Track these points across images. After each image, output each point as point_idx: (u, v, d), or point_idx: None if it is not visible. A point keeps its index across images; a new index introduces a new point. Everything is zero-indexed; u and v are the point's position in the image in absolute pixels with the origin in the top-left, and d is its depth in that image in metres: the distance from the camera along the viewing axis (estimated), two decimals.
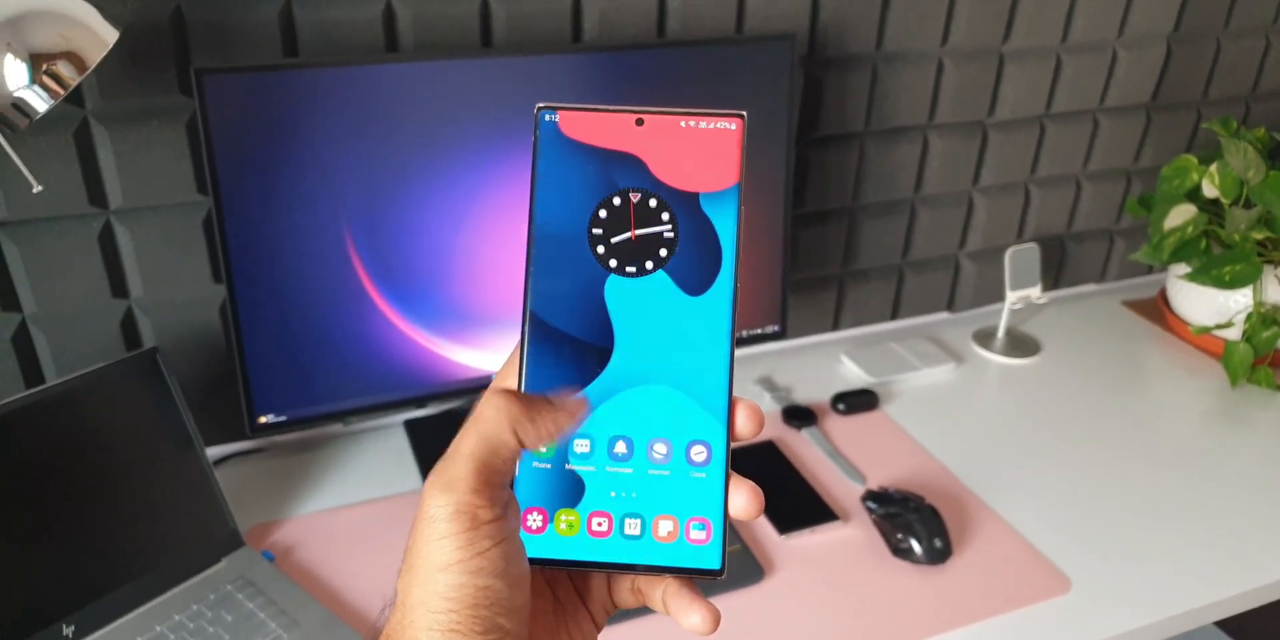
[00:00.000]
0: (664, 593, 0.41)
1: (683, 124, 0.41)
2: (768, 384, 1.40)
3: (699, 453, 0.41)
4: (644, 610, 0.99)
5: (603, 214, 0.41)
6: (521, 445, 0.37)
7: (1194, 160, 1.45)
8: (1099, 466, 1.26)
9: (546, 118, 0.41)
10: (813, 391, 1.38)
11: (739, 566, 1.07)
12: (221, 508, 1.05)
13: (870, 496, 1.16)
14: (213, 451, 1.21)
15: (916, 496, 1.15)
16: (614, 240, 0.41)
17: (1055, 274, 1.64)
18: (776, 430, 1.31)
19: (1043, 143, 1.49)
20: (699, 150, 0.41)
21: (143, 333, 1.13)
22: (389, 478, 1.20)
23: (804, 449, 1.27)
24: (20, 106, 0.80)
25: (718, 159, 0.41)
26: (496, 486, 0.36)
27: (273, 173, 0.97)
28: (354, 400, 1.09)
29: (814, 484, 1.21)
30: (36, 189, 0.87)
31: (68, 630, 0.94)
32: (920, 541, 1.09)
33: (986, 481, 1.22)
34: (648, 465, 0.41)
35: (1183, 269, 1.48)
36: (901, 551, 1.10)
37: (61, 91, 0.79)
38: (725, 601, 1.02)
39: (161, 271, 1.10)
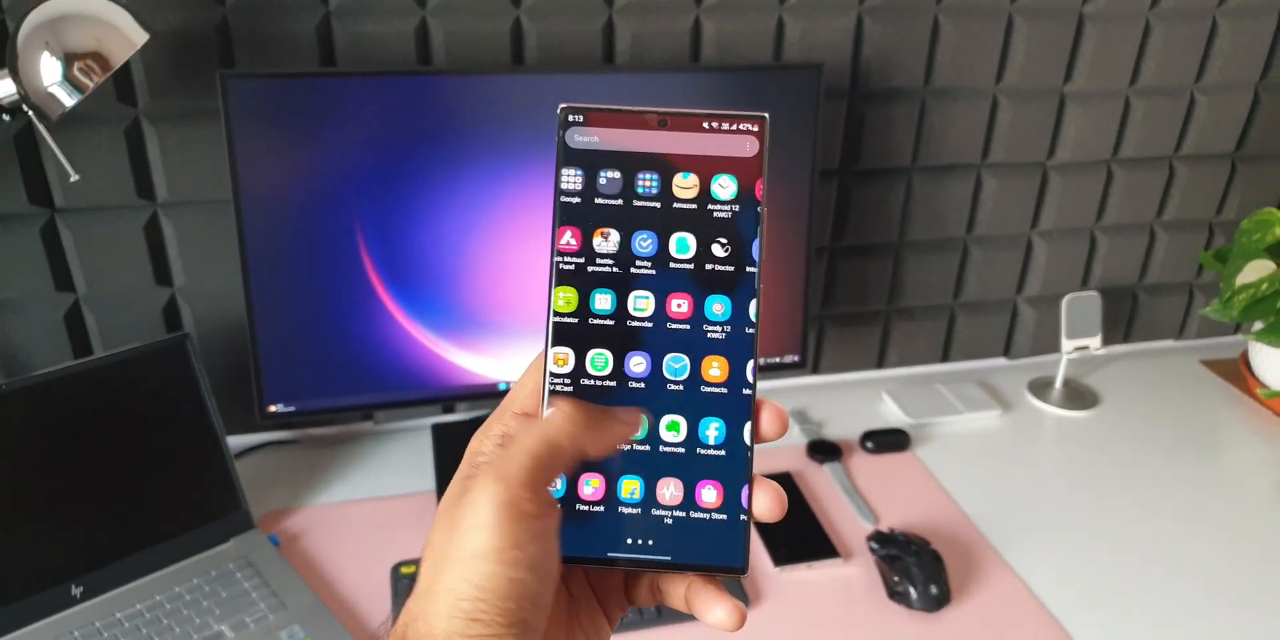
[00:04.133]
0: (687, 590, 0.41)
1: (705, 125, 0.41)
2: (799, 417, 1.38)
3: (722, 451, 0.41)
4: (655, 621, 0.98)
5: (626, 214, 0.41)
6: (578, 454, 0.38)
7: (1278, 213, 1.37)
8: (1136, 530, 1.19)
9: (570, 118, 0.41)
10: (845, 428, 1.36)
11: None
12: (236, 490, 1.10)
13: (876, 537, 1.13)
14: (248, 439, 1.28)
15: (922, 541, 1.11)
16: (637, 240, 0.41)
17: (1126, 326, 1.56)
18: (798, 463, 1.29)
19: (1110, 188, 1.43)
20: (722, 151, 0.41)
21: (185, 320, 1.20)
22: (405, 478, 1.23)
23: (822, 484, 1.25)
24: (53, 100, 0.87)
25: (740, 159, 0.42)
26: (545, 486, 0.37)
27: (291, 173, 1.02)
28: (360, 397, 1.13)
29: (822, 520, 1.18)
30: (74, 178, 0.94)
31: (76, 590, 1.00)
32: (916, 586, 1.05)
33: (1007, 533, 1.17)
34: (673, 464, 0.41)
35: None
36: (897, 595, 1.07)
37: (89, 84, 0.86)
38: (695, 626, 1.01)
39: (202, 263, 1.16)
